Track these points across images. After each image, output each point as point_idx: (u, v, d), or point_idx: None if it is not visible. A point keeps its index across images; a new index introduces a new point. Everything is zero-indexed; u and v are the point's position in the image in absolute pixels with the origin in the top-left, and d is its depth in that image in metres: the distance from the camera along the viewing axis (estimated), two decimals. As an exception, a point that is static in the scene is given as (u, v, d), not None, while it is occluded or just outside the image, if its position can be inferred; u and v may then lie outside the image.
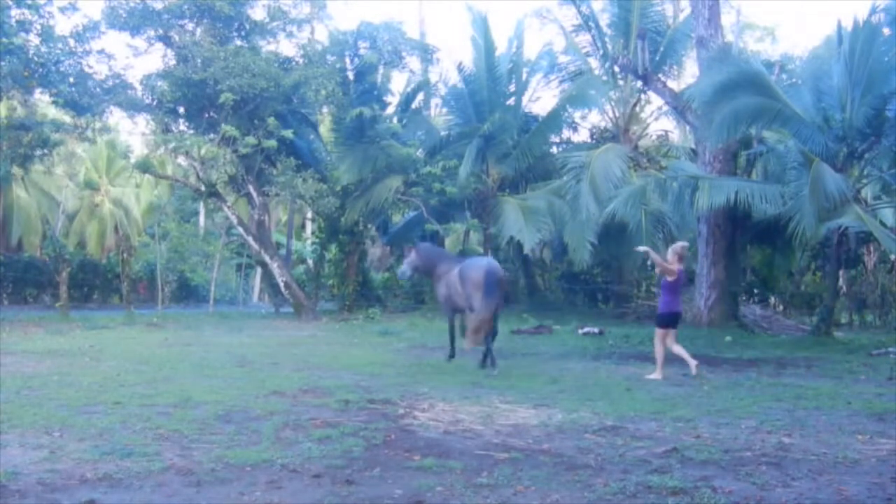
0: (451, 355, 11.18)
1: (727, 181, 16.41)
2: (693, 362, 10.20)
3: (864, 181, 16.97)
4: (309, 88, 19.65)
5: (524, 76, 23.71)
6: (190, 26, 20.32)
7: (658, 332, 10.42)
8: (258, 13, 21.22)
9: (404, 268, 12.13)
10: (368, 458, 5.32)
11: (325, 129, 24.47)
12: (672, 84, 21.62)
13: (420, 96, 25.07)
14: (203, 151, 20.01)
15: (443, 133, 23.98)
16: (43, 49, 18.35)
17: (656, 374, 10.07)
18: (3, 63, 17.46)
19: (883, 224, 17.12)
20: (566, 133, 25.43)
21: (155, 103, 20.14)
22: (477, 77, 23.05)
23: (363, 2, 57.56)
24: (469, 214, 23.60)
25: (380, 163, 20.74)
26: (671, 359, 10.28)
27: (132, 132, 30.72)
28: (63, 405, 7.03)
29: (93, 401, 7.28)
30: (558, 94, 24.29)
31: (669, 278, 10.29)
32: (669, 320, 10.46)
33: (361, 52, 21.66)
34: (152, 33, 20.09)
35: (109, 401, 7.28)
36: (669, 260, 10.43)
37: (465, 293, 10.64)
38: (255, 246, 21.06)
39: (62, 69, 18.75)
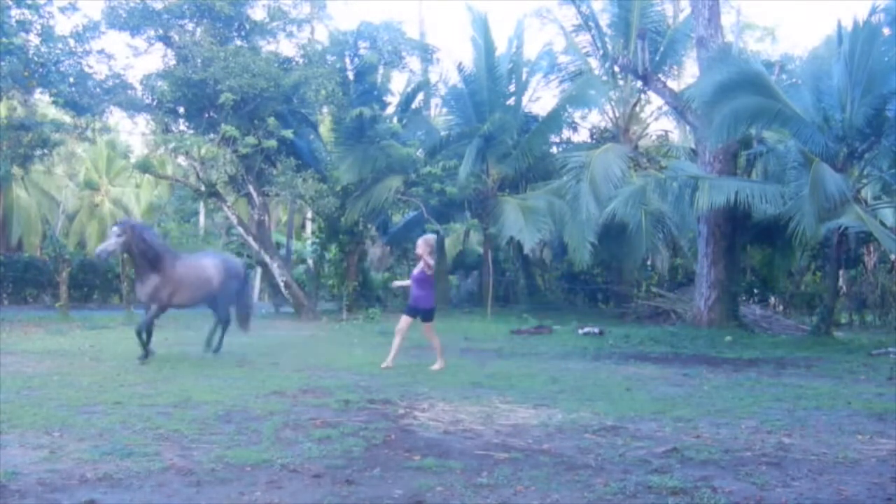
0: (146, 355, 10.59)
1: (727, 181, 16.41)
2: (392, 360, 10.33)
3: (864, 181, 16.97)
4: (309, 88, 19.64)
5: (524, 76, 23.73)
6: (190, 26, 20.30)
7: (429, 325, 10.54)
8: (258, 13, 21.20)
9: (110, 247, 10.53)
10: (368, 458, 5.32)
11: (325, 129, 24.47)
12: (672, 84, 21.64)
13: (420, 96, 25.07)
14: (203, 151, 19.99)
15: (443, 133, 24.00)
16: (43, 49, 18.33)
17: (439, 365, 10.26)
18: (3, 63, 17.44)
19: (883, 224, 17.12)
20: (566, 133, 25.48)
21: (155, 103, 20.11)
22: (477, 77, 23.06)
23: (363, 2, 57.52)
24: (469, 214, 23.62)
25: (380, 163, 20.73)
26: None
27: (132, 132, 30.64)
28: (63, 405, 7.03)
29: (93, 401, 7.28)
30: (558, 94, 24.33)
31: (428, 272, 10.36)
32: (433, 313, 10.65)
33: (361, 52, 21.66)
34: (152, 33, 20.07)
35: (109, 401, 7.27)
36: (421, 252, 10.37)
37: (229, 288, 11.26)
38: (255, 246, 21.05)
39: (62, 69, 18.72)
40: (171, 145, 19.82)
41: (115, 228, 10.79)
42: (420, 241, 10.61)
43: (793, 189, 15.52)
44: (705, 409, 7.43)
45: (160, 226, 26.08)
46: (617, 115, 23.69)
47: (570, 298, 26.06)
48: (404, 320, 10.58)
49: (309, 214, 31.53)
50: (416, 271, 10.59)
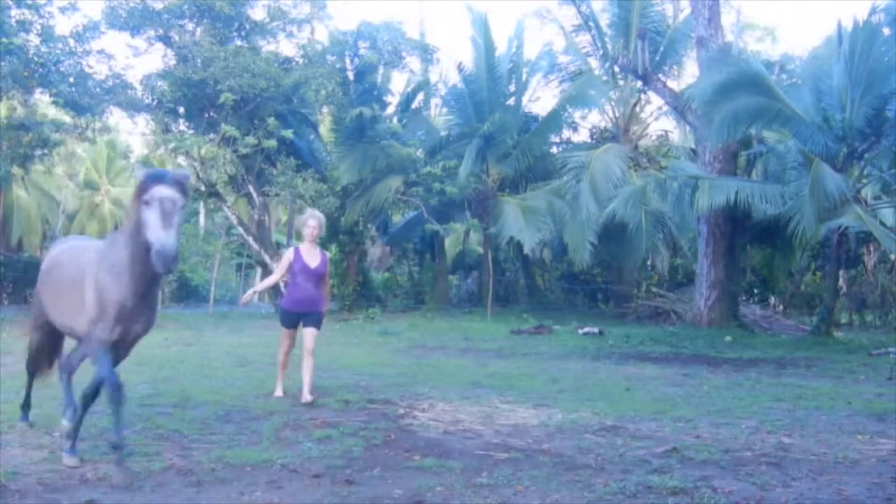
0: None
1: (727, 181, 16.42)
2: (280, 387, 7.87)
3: (864, 181, 16.97)
4: (309, 88, 19.65)
5: (524, 76, 23.71)
6: (190, 26, 20.32)
7: (317, 334, 7.74)
8: (258, 13, 21.23)
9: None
10: (368, 458, 5.32)
11: (325, 129, 24.47)
12: (672, 84, 21.62)
13: (420, 96, 25.07)
14: (203, 151, 20.01)
15: (443, 133, 24.00)
16: (43, 49, 18.34)
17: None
18: (3, 63, 17.45)
19: (883, 224, 17.13)
20: (566, 133, 25.46)
21: (155, 103, 20.14)
22: (477, 77, 23.05)
23: (363, 2, 57.49)
24: (469, 214, 23.60)
25: (380, 163, 20.74)
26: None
27: (132, 132, 30.67)
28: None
29: (93, 401, 7.27)
30: (558, 94, 24.29)
31: (325, 288, 7.95)
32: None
33: (361, 52, 21.67)
34: (152, 33, 20.09)
35: (109, 401, 7.26)
36: (317, 234, 7.75)
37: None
38: (255, 246, 21.07)
39: (62, 69, 18.73)
40: (171, 145, 19.85)
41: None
42: (314, 221, 7.73)
43: (793, 189, 15.53)
44: (705, 409, 7.43)
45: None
46: (617, 115, 23.68)
47: (570, 298, 26.05)
48: (290, 336, 7.80)
49: (309, 214, 31.53)
50: (315, 262, 7.61)
